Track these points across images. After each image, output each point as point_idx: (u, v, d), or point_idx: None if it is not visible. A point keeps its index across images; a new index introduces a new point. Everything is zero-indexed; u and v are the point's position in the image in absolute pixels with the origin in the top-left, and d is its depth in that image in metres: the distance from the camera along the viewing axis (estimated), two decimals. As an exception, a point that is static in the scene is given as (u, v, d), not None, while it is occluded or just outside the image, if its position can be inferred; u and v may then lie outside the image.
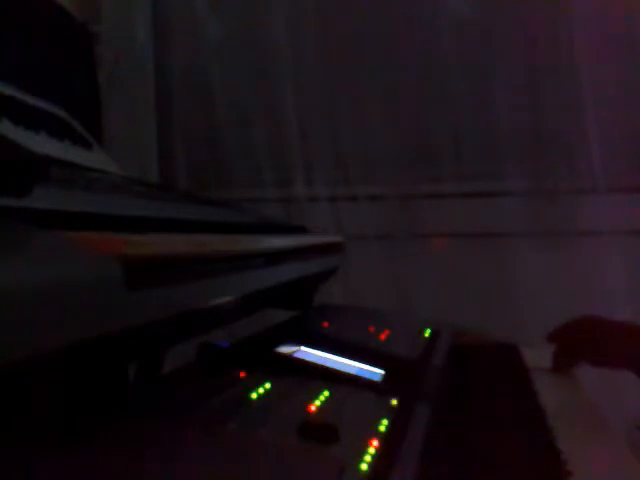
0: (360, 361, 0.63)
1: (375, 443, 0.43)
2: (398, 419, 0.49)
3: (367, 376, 0.60)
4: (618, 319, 0.83)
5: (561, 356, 0.82)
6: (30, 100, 0.83)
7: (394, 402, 0.52)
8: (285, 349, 0.62)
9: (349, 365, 0.62)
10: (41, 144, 0.77)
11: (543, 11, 1.38)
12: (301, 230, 0.93)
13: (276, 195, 1.49)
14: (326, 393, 0.51)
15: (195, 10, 1.53)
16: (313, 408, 0.47)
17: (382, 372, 0.61)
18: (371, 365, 0.62)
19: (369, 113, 1.44)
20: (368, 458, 0.41)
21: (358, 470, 0.39)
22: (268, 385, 0.49)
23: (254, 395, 0.47)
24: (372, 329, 0.80)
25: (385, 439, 0.44)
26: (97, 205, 0.52)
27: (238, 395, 0.47)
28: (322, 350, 0.64)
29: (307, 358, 0.61)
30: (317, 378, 0.54)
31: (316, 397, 0.49)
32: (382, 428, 0.46)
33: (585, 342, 0.81)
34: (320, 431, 0.42)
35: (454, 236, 1.42)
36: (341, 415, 0.47)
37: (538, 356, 0.82)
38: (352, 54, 1.45)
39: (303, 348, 0.63)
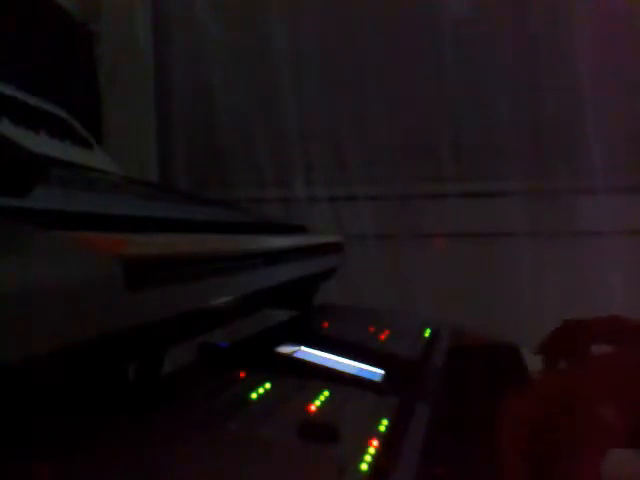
0: (360, 361, 0.63)
1: (375, 443, 0.43)
2: (398, 419, 0.49)
3: (367, 376, 0.59)
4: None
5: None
6: (31, 100, 0.83)
7: (394, 402, 0.52)
8: (285, 349, 0.62)
9: (349, 365, 0.62)
10: (41, 144, 0.77)
11: (543, 11, 1.37)
12: (301, 230, 0.93)
13: (276, 195, 1.48)
14: (326, 393, 0.51)
15: (195, 10, 1.53)
16: (313, 408, 0.47)
17: (382, 372, 0.61)
18: (371, 365, 0.62)
19: (369, 113, 1.44)
20: (368, 458, 0.41)
21: (358, 470, 0.39)
22: (268, 385, 0.49)
23: (254, 395, 0.47)
24: (372, 329, 0.80)
25: (385, 439, 0.44)
26: (97, 205, 0.52)
27: (238, 395, 0.47)
28: (322, 350, 0.63)
29: (307, 358, 0.61)
30: (317, 378, 0.54)
31: (316, 397, 0.49)
32: (382, 428, 0.46)
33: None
34: (320, 431, 0.42)
35: (454, 236, 1.42)
36: (341, 415, 0.47)
37: (538, 356, 0.82)
38: (352, 54, 1.45)
39: (303, 348, 0.63)
